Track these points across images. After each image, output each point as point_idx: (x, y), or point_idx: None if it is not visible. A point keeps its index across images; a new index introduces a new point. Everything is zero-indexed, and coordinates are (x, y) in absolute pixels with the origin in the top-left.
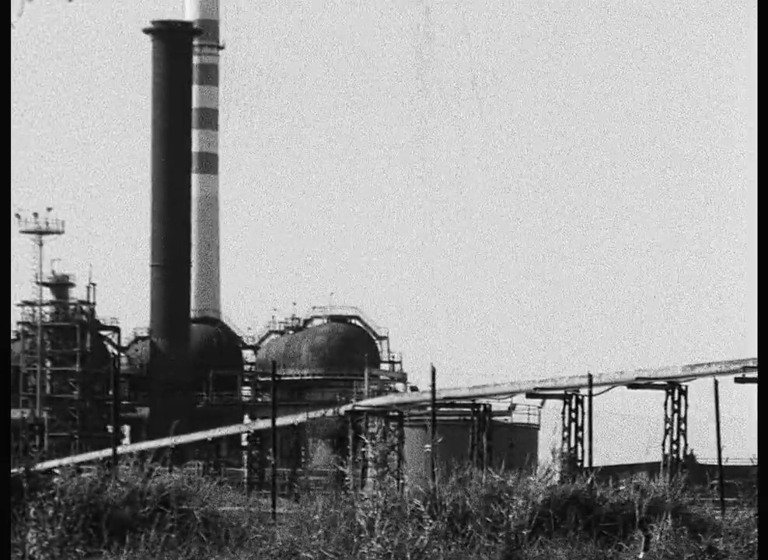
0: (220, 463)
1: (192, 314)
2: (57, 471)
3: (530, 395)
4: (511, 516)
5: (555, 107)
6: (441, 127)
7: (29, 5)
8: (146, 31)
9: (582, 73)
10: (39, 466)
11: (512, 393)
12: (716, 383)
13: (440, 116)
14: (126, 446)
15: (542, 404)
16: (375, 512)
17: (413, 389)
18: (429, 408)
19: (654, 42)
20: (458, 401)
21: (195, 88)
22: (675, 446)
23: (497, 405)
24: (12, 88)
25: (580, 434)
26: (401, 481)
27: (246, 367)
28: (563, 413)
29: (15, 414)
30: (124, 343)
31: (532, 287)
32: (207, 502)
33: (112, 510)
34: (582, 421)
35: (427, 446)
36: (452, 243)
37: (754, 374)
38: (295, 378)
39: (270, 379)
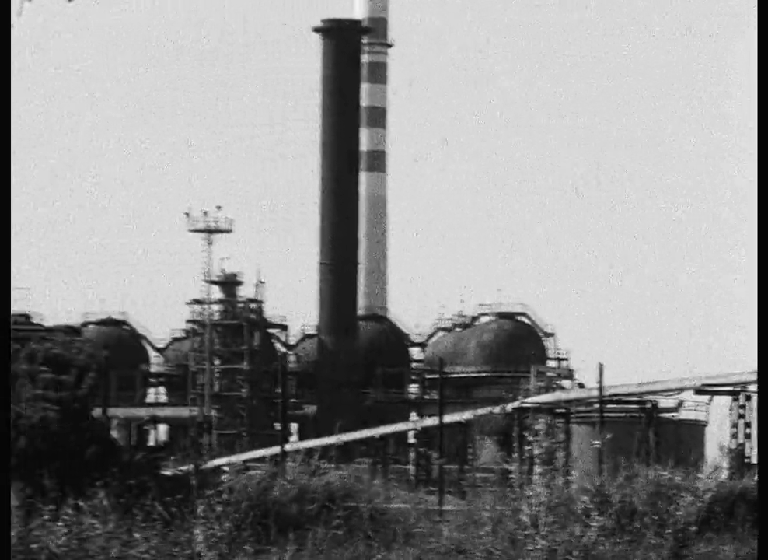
0: (387, 461)
1: (360, 312)
2: (225, 469)
3: (698, 391)
4: (678, 513)
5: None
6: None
7: (29, 4)
8: (316, 30)
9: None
10: (208, 464)
11: (680, 390)
12: None
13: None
14: (293, 444)
15: (710, 400)
16: (539, 508)
17: (581, 386)
18: (596, 405)
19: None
20: (625, 398)
21: (364, 86)
22: None
23: (665, 402)
24: (190, 91)
25: (748, 430)
26: (567, 478)
27: (414, 364)
28: (731, 409)
29: (184, 412)
30: (292, 341)
31: (701, 282)
32: (374, 499)
33: (279, 507)
34: (750, 417)
35: (595, 442)
36: (622, 240)
37: None
38: (462, 375)
39: (437, 376)
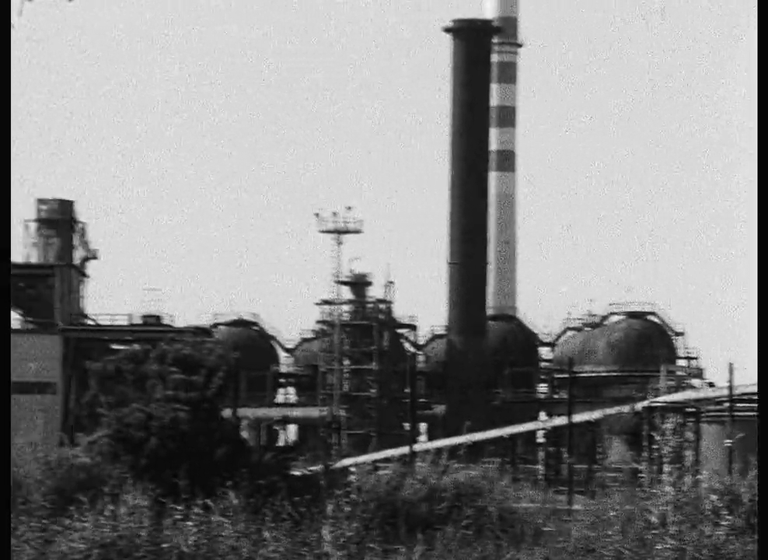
0: (516, 460)
1: (489, 311)
2: (352, 469)
3: None
4: None
5: None
6: None
7: (29, 4)
8: (446, 30)
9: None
10: (337, 464)
11: None
12: None
13: None
14: (422, 444)
15: None
16: (668, 508)
17: (710, 385)
18: (726, 404)
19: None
20: (756, 397)
21: (493, 86)
22: None
23: None
24: (321, 93)
25: None
26: (697, 478)
27: (543, 364)
28: None
29: (314, 412)
30: (421, 341)
31: None
32: (503, 498)
33: (408, 507)
34: None
35: (727, 441)
36: (754, 238)
37: None
38: (591, 375)
39: (566, 375)
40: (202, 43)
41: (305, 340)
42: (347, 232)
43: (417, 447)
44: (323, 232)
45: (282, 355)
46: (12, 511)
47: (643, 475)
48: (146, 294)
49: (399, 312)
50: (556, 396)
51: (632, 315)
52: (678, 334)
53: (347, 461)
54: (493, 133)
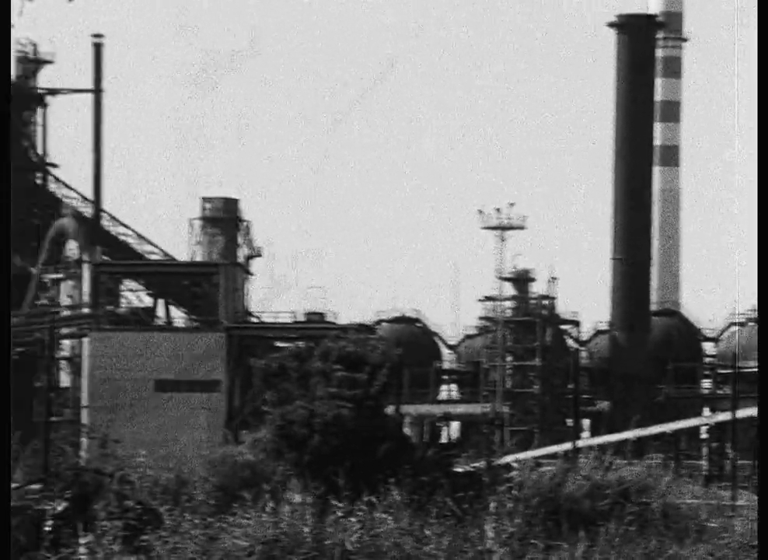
0: (679, 456)
1: (652, 307)
2: (515, 465)
3: None
4: None
5: None
6: None
7: (29, 4)
8: (610, 25)
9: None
10: (499, 460)
11: None
12: None
13: None
14: (585, 440)
15: None
16: None
17: None
18: None
19: None
20: None
21: (658, 81)
22: None
23: None
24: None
25: None
26: None
27: (706, 359)
28: None
29: (477, 409)
30: (584, 337)
31: None
32: (667, 494)
33: (571, 503)
34: None
35: None
36: None
37: None
38: (756, 370)
39: (730, 371)
40: (367, 42)
41: (467, 336)
42: (510, 228)
43: (580, 443)
44: (486, 228)
45: (445, 351)
46: (177, 508)
47: None
48: (310, 291)
49: (562, 308)
50: (720, 391)
51: None
52: None
53: (509, 457)
54: (658, 128)
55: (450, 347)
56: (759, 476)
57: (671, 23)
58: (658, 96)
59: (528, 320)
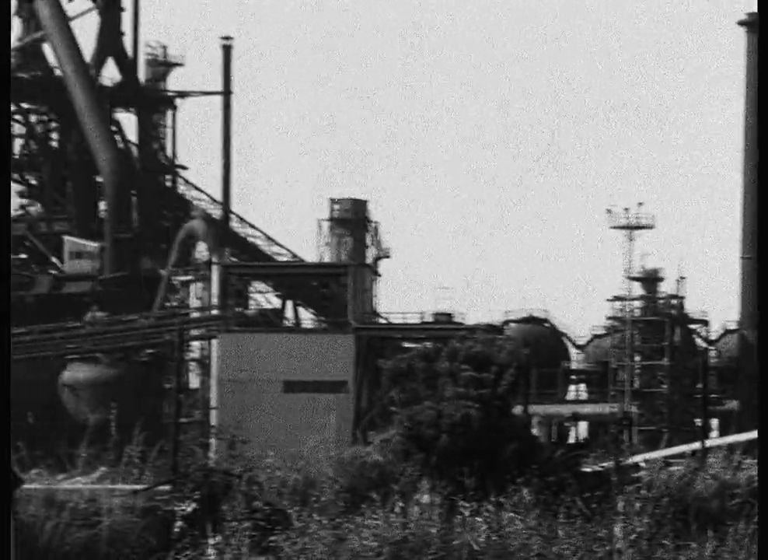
0: None
1: None
2: (643, 465)
3: None
4: None
5: None
6: None
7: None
8: (741, 23)
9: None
10: (628, 460)
11: None
12: None
13: None
14: (714, 440)
15: None
16: None
17: None
18: None
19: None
20: None
21: None
22: None
23: None
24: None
25: None
26: None
27: None
28: None
29: (605, 409)
30: (713, 336)
31: None
32: None
33: (700, 503)
34: None
35: None
36: None
37: None
38: None
39: None
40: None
41: (596, 336)
42: (638, 227)
43: (708, 443)
44: (615, 228)
45: (573, 351)
46: (305, 509)
47: None
48: (438, 292)
49: (691, 307)
50: None
51: None
52: None
53: (637, 457)
54: None
55: (578, 347)
56: (759, 476)
57: None
58: None
59: (656, 320)
